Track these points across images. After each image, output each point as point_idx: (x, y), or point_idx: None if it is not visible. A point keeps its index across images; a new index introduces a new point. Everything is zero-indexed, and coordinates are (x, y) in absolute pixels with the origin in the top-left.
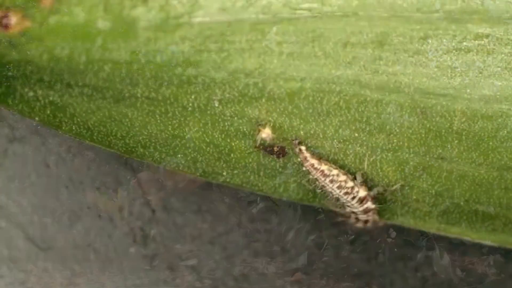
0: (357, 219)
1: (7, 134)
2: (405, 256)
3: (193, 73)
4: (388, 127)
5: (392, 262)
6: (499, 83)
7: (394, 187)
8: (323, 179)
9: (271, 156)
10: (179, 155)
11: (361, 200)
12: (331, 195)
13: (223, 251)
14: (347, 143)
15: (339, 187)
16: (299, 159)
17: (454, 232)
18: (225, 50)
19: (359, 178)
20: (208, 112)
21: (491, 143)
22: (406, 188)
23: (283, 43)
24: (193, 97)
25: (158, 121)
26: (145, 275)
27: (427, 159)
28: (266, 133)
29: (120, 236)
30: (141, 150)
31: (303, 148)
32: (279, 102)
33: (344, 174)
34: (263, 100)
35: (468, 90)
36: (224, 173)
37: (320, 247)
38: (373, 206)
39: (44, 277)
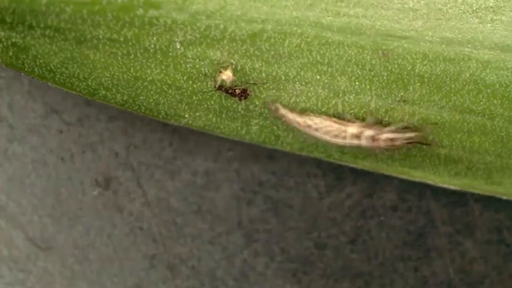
0: (401, 144)
1: (7, 134)
2: (405, 256)
3: (155, 15)
4: (350, 69)
5: (392, 262)
6: (461, 26)
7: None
8: (308, 130)
9: (233, 98)
10: (141, 97)
11: (357, 136)
12: (328, 144)
13: (223, 251)
14: (309, 85)
15: (326, 133)
16: (276, 116)
17: (417, 176)
18: None
19: (346, 116)
20: (170, 54)
21: (453, 86)
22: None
23: None
24: (155, 38)
25: (120, 63)
26: (145, 275)
27: (389, 101)
28: (226, 75)
29: (120, 236)
30: (104, 92)
31: (278, 105)
32: (241, 44)
33: (328, 119)
34: (225, 42)
35: (429, 33)
36: (186, 115)
37: (320, 247)
38: (372, 131)
39: (44, 277)
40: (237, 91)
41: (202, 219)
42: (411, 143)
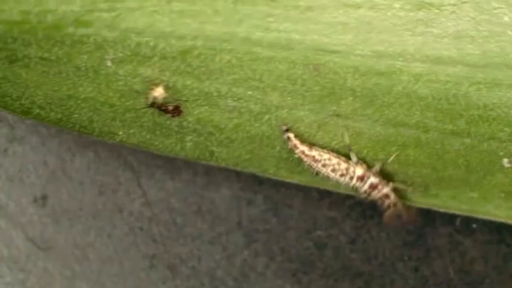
0: (386, 205)
1: (7, 134)
2: (405, 256)
3: (85, 33)
4: (281, 84)
5: (392, 262)
6: (391, 39)
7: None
8: (315, 164)
9: (166, 115)
10: (75, 115)
11: (361, 178)
12: (329, 179)
13: (223, 251)
14: (241, 101)
15: (333, 170)
16: (288, 147)
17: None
18: (116, 9)
19: (353, 157)
20: (102, 72)
21: (385, 99)
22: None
23: (172, 1)
24: (86, 57)
25: (53, 81)
26: (145, 275)
27: (322, 116)
28: (158, 92)
29: (120, 236)
30: (37, 110)
31: (291, 135)
32: (172, 60)
33: (337, 156)
34: (156, 59)
35: (360, 47)
36: (120, 133)
37: (320, 247)
38: (376, 180)
39: (44, 277)
40: (170, 108)
41: (202, 219)
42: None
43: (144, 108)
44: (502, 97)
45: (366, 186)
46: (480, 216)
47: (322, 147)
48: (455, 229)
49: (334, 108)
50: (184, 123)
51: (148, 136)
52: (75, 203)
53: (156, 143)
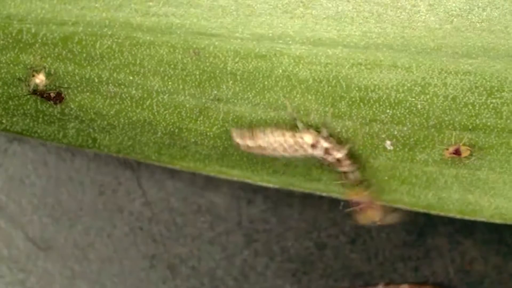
0: (343, 174)
1: (7, 134)
2: (405, 256)
3: None
4: (162, 69)
5: (392, 262)
6: (271, 21)
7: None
8: (266, 152)
9: (49, 102)
10: None
11: (314, 146)
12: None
13: (223, 251)
14: (123, 86)
15: (284, 150)
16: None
17: (235, 175)
18: None
19: (300, 125)
20: None
21: (266, 83)
22: (184, 131)
23: None
24: None
25: None
26: (145, 275)
27: (203, 101)
28: (39, 79)
29: (120, 236)
30: None
31: (233, 133)
32: (53, 47)
33: (282, 133)
34: (37, 45)
35: (240, 29)
36: (4, 121)
37: (320, 247)
38: (328, 144)
39: (44, 277)
40: (52, 95)
41: (202, 219)
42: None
43: (26, 95)
44: (383, 78)
45: (320, 152)
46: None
47: (202, 132)
48: (455, 229)
49: (215, 92)
50: (66, 110)
51: (31, 124)
52: (75, 203)
53: (39, 130)
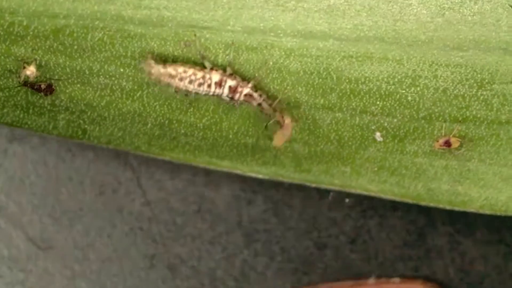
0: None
1: (7, 134)
2: (405, 256)
3: None
4: None
5: (392, 262)
6: (263, 14)
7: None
8: (173, 81)
9: (39, 93)
10: None
11: (219, 84)
12: (190, 93)
13: (223, 251)
14: (113, 78)
15: (191, 82)
16: (146, 74)
17: (225, 166)
18: None
19: (207, 64)
20: None
21: (257, 75)
22: (174, 122)
23: None
24: None
25: None
26: (145, 275)
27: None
28: (30, 71)
29: (120, 236)
30: None
31: (151, 62)
32: (44, 39)
33: (192, 67)
34: (28, 38)
35: (231, 22)
36: None
37: (320, 247)
38: (234, 82)
39: (44, 277)
40: (42, 87)
41: (202, 219)
42: (265, 110)
43: (17, 87)
44: (374, 71)
45: (226, 91)
46: (353, 190)
47: (192, 124)
48: (455, 229)
49: None
50: (57, 102)
51: (21, 115)
52: (75, 203)
53: (29, 122)
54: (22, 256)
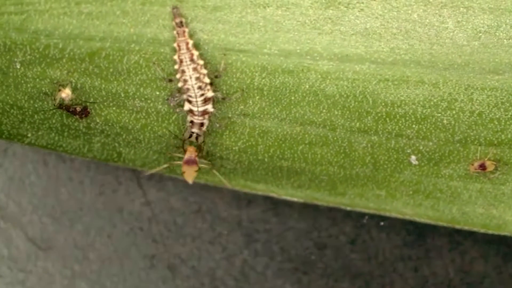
0: (192, 124)
1: None
2: (405, 256)
3: None
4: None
5: (392, 262)
6: (299, 38)
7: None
8: (188, 63)
9: (74, 116)
10: None
11: (205, 101)
12: (186, 88)
13: (223, 251)
14: (149, 101)
15: (198, 79)
16: (176, 42)
17: (260, 189)
18: (24, 11)
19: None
20: (11, 74)
21: (293, 98)
22: (210, 145)
23: (81, 3)
24: None
25: None
26: (145, 275)
27: (230, 115)
28: (65, 93)
29: (120, 236)
30: None
31: (186, 29)
32: (80, 62)
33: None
34: (64, 60)
35: (268, 45)
36: (29, 135)
37: (320, 247)
38: (212, 110)
39: (44, 277)
40: (78, 109)
41: (202, 219)
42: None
43: (52, 109)
44: (410, 94)
45: (202, 109)
46: (388, 214)
47: (227, 147)
48: (455, 229)
49: (241, 107)
50: (92, 124)
51: (56, 138)
52: (75, 203)
53: (64, 144)
54: (22, 256)
